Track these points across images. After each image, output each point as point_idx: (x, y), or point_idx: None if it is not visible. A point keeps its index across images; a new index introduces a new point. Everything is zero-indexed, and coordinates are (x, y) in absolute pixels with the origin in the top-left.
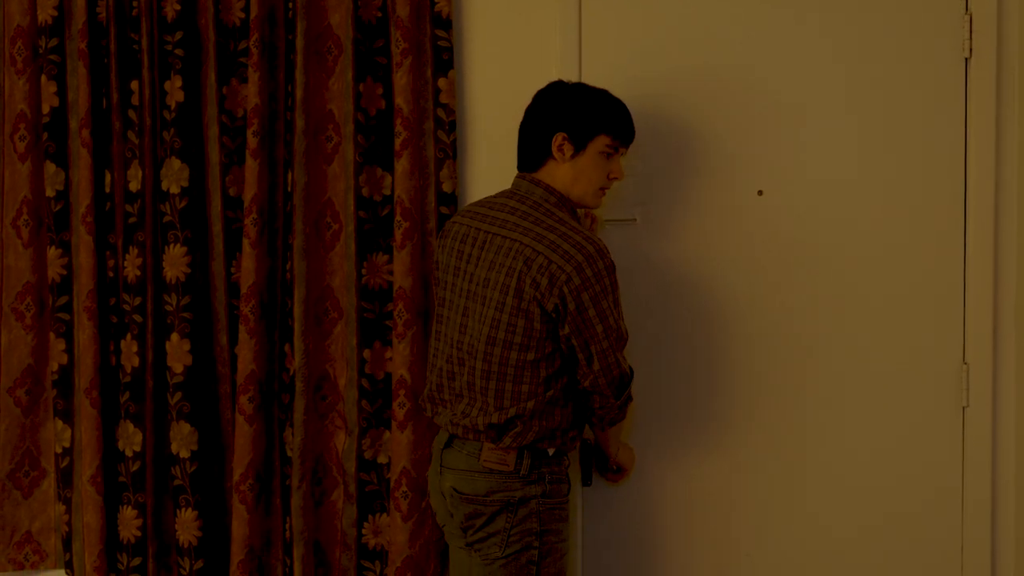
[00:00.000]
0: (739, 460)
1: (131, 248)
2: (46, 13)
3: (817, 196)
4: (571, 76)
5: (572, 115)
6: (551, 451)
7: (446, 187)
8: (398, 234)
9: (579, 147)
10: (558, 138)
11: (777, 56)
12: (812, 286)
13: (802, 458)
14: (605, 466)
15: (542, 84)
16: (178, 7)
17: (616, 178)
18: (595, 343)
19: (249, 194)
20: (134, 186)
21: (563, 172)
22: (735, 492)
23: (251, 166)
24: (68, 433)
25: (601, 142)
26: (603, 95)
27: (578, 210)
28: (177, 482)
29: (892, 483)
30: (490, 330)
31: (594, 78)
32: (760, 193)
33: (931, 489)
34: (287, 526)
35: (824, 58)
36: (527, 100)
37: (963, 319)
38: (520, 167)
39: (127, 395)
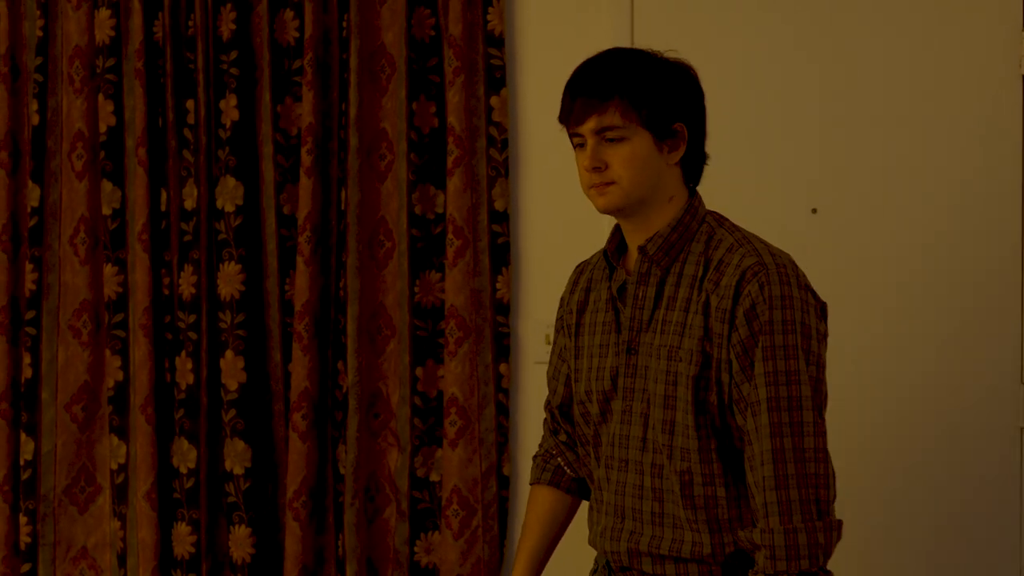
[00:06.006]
0: None
1: (186, 266)
2: (104, 33)
3: (872, 215)
4: None
5: None
6: None
7: (498, 205)
8: (450, 252)
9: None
10: None
11: (832, 72)
12: (867, 305)
13: (855, 478)
14: None
15: None
16: (233, 27)
17: (586, 167)
18: None
19: (303, 212)
20: (189, 204)
21: None
22: None
23: (305, 184)
24: (123, 449)
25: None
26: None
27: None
28: (231, 499)
29: (947, 504)
30: None
31: None
32: (814, 211)
33: (988, 511)
34: (340, 543)
35: (880, 74)
36: None
37: (1021, 338)
38: None
39: (182, 412)
